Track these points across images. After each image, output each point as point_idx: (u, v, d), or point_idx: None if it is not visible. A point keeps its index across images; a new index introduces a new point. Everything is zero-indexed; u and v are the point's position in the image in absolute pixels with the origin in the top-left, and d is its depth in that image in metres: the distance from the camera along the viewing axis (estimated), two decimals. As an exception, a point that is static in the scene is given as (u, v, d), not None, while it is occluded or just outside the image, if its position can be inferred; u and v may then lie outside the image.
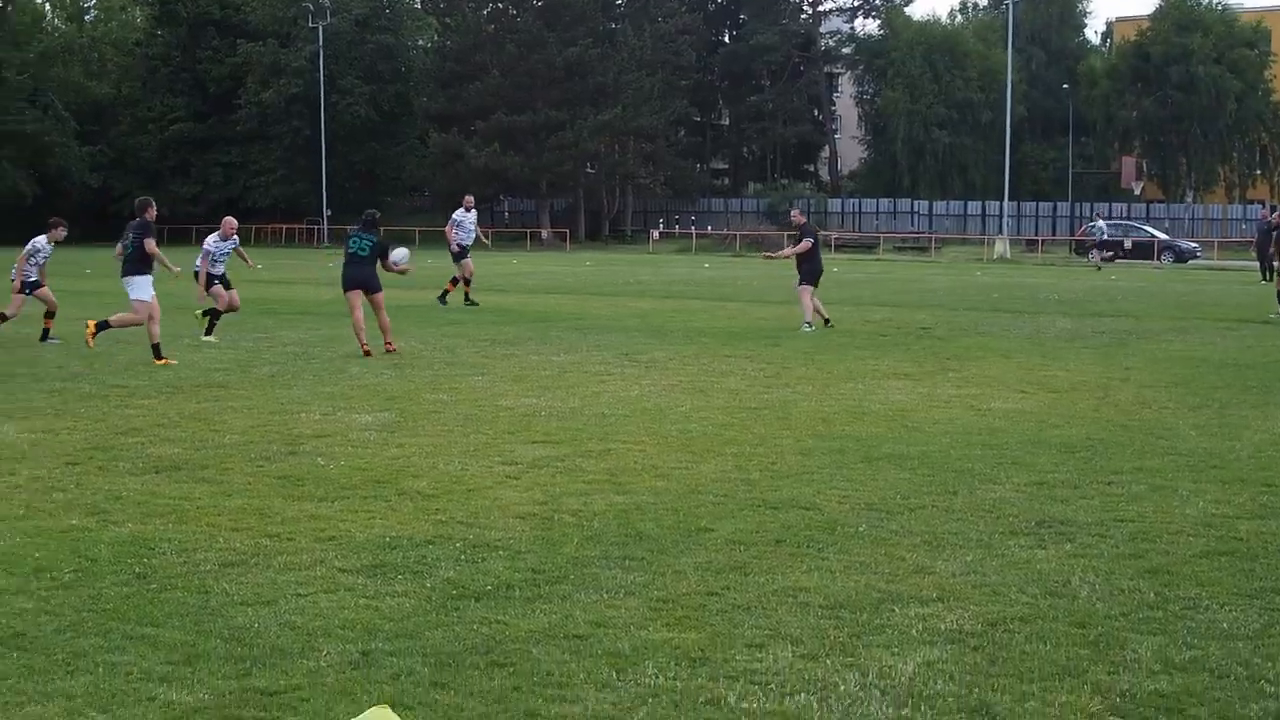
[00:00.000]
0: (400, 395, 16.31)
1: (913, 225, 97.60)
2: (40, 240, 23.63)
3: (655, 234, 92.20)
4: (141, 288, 20.70)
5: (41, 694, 6.26)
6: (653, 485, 11.05)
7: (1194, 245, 74.08)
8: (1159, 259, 69.36)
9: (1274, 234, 37.26)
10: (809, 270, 26.65)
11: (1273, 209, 65.38)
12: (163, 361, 19.57)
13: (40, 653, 6.84)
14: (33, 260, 23.31)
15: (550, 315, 28.67)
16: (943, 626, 7.39)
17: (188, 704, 6.13)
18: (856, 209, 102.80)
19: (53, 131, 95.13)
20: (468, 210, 32.09)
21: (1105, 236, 69.18)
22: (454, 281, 32.00)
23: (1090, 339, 24.39)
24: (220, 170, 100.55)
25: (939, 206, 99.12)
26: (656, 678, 6.55)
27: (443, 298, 31.77)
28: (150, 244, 20.35)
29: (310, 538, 9.20)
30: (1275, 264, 35.33)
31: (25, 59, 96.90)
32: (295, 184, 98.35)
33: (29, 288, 23.24)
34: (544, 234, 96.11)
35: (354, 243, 21.63)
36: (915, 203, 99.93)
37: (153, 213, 20.89)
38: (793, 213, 30.53)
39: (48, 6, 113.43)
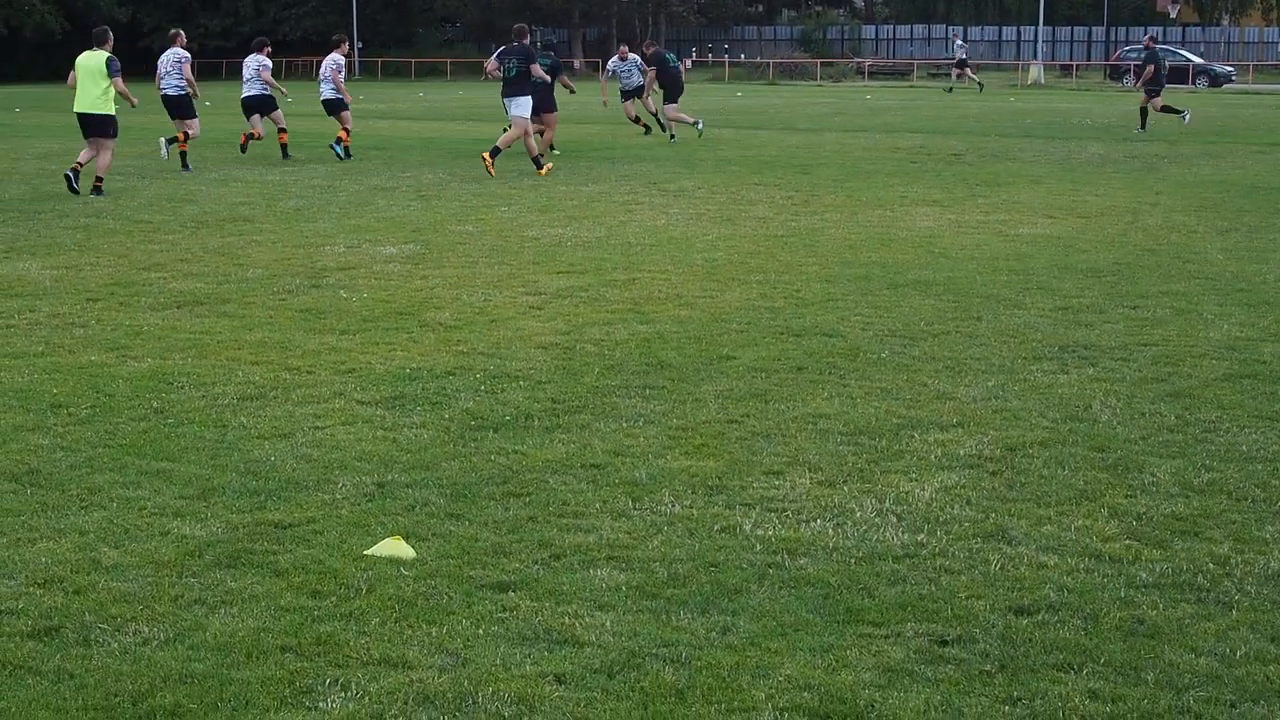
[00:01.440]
0: (426, 227, 16.25)
1: (946, 51, 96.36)
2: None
3: (688, 62, 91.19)
4: (522, 106, 22.53)
5: (55, 530, 6.28)
6: (676, 314, 11.02)
7: (1229, 69, 73.04)
8: (1194, 83, 68.47)
9: None
10: (673, 90, 30.09)
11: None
12: (544, 171, 22.33)
13: (55, 489, 6.86)
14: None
15: (580, 146, 28.42)
16: (961, 452, 7.37)
17: (200, 538, 6.14)
18: (891, 35, 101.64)
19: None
20: (623, 59, 31.26)
21: (963, 55, 68.14)
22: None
23: (1121, 164, 24.14)
24: (250, 3, 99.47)
25: (974, 32, 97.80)
26: (672, 506, 6.56)
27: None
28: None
29: (330, 370, 9.20)
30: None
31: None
32: (326, 15, 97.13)
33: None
34: (576, 63, 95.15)
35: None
36: (949, 28, 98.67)
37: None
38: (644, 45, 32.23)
39: None
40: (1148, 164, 24.07)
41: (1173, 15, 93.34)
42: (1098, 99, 55.24)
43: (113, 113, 20.18)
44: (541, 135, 24.21)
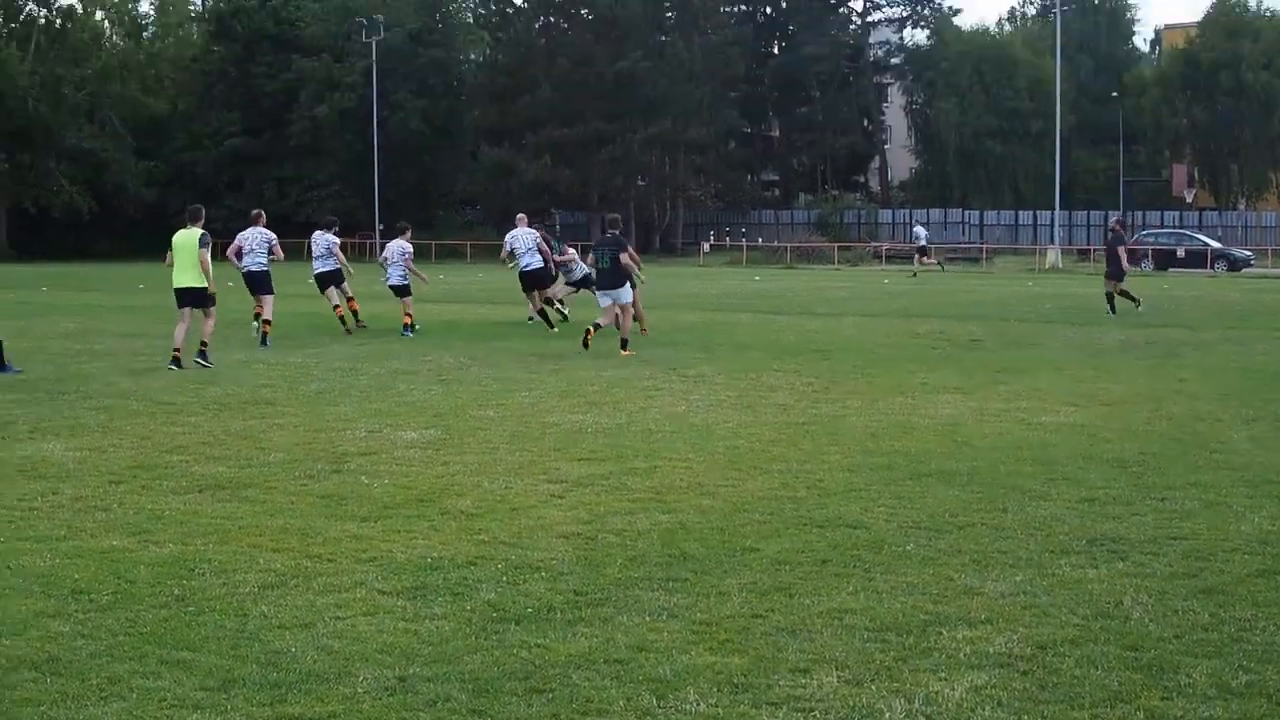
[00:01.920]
0: (447, 411, 16.25)
1: (963, 235, 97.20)
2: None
3: (706, 246, 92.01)
4: (626, 294, 23.88)
5: (74, 721, 6.18)
6: (698, 503, 10.95)
7: (1248, 254, 73.55)
8: (1212, 267, 68.87)
9: None
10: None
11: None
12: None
13: (75, 677, 6.78)
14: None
15: (600, 331, 28.53)
16: (991, 650, 7.26)
17: (221, 733, 6.06)
18: (907, 219, 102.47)
19: (110, 147, 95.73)
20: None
21: (924, 243, 69.02)
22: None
23: (1143, 350, 24.17)
24: (274, 185, 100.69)
25: (990, 216, 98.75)
26: (698, 704, 6.45)
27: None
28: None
29: (351, 558, 9.13)
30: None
31: (84, 75, 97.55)
32: (348, 198, 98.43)
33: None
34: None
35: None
36: (966, 213, 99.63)
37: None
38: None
39: (106, 24, 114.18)
40: (1169, 350, 24.09)
41: (1189, 199, 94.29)
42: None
43: (205, 286, 21.27)
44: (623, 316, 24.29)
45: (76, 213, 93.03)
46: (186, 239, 21.28)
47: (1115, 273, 34.41)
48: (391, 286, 27.95)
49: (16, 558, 9.14)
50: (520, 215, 31.23)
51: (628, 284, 24.14)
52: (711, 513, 10.59)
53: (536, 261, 28.83)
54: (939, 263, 66.19)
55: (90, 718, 6.24)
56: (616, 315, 24.05)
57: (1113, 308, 33.66)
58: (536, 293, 29.40)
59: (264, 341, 24.58)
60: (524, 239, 29.07)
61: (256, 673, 6.86)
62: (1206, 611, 7.94)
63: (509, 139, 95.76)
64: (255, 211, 26.78)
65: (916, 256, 68.12)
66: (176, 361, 20.77)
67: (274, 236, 25.56)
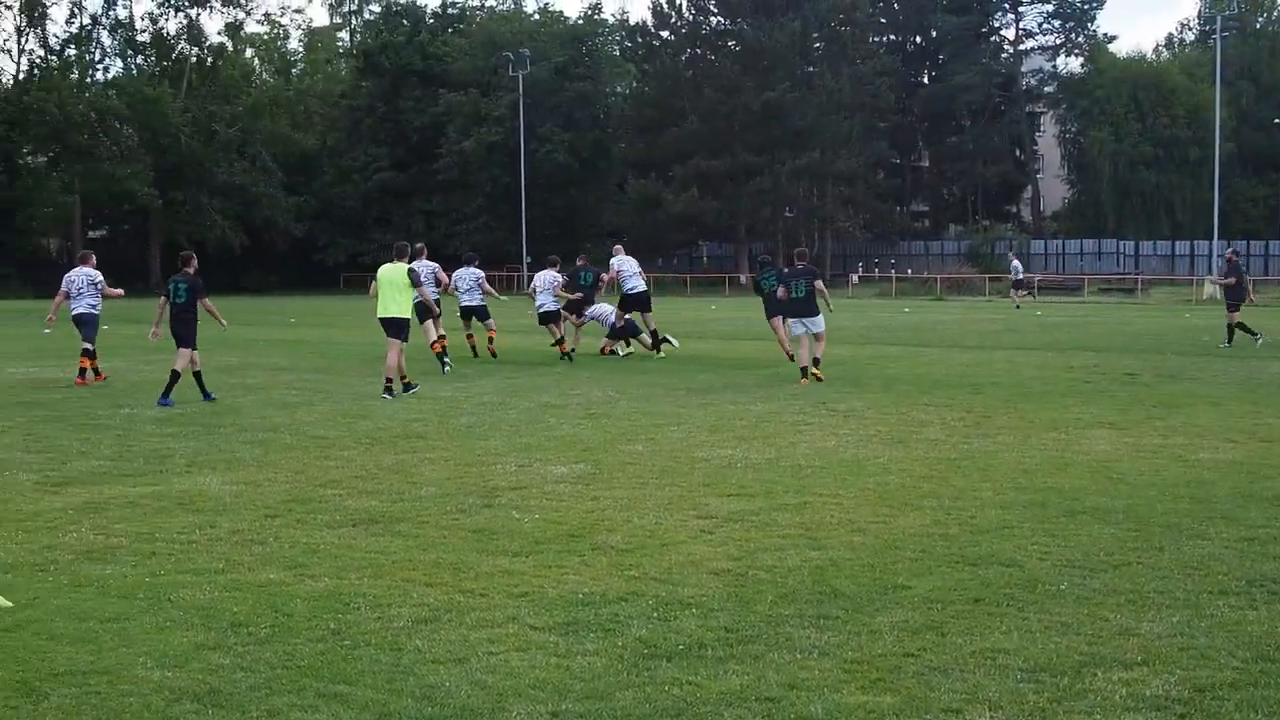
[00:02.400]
0: (596, 446, 16.32)
1: (1118, 266, 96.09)
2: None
3: (854, 277, 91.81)
4: (819, 323, 24.96)
5: (237, 755, 6.30)
6: (849, 540, 10.91)
7: None
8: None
9: None
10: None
11: None
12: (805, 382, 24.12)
13: (235, 710, 6.92)
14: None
15: (747, 362, 28.59)
16: (1147, 693, 7.16)
17: (378, 767, 6.13)
18: (1060, 250, 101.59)
19: (260, 182, 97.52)
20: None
21: (1020, 276, 68.27)
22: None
23: (1304, 384, 23.74)
24: (421, 218, 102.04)
25: (1145, 247, 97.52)
26: (850, 744, 6.43)
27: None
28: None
29: (503, 593, 9.21)
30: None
31: (235, 112, 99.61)
32: (495, 231, 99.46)
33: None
34: (742, 278, 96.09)
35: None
36: (1121, 243, 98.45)
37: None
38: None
39: (256, 61, 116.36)
40: (1329, 384, 23.64)
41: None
42: (1276, 315, 54.52)
43: (408, 316, 22.84)
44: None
45: (228, 247, 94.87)
46: (393, 273, 22.72)
47: (1234, 304, 34.05)
48: (543, 314, 30.10)
49: (177, 590, 9.34)
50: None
51: (820, 315, 24.97)
52: (862, 549, 10.55)
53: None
54: (1030, 293, 65.93)
55: (250, 751, 6.35)
56: (810, 343, 24.89)
57: (1229, 339, 33.74)
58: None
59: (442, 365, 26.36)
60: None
61: (412, 707, 6.95)
62: (1370, 655, 7.79)
63: (656, 171, 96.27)
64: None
65: (1013, 290, 67.34)
66: (388, 389, 22.04)
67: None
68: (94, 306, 25.78)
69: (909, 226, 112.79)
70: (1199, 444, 16.30)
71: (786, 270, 26.37)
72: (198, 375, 21.67)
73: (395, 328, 22.46)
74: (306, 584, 9.50)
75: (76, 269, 26.33)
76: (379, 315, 22.72)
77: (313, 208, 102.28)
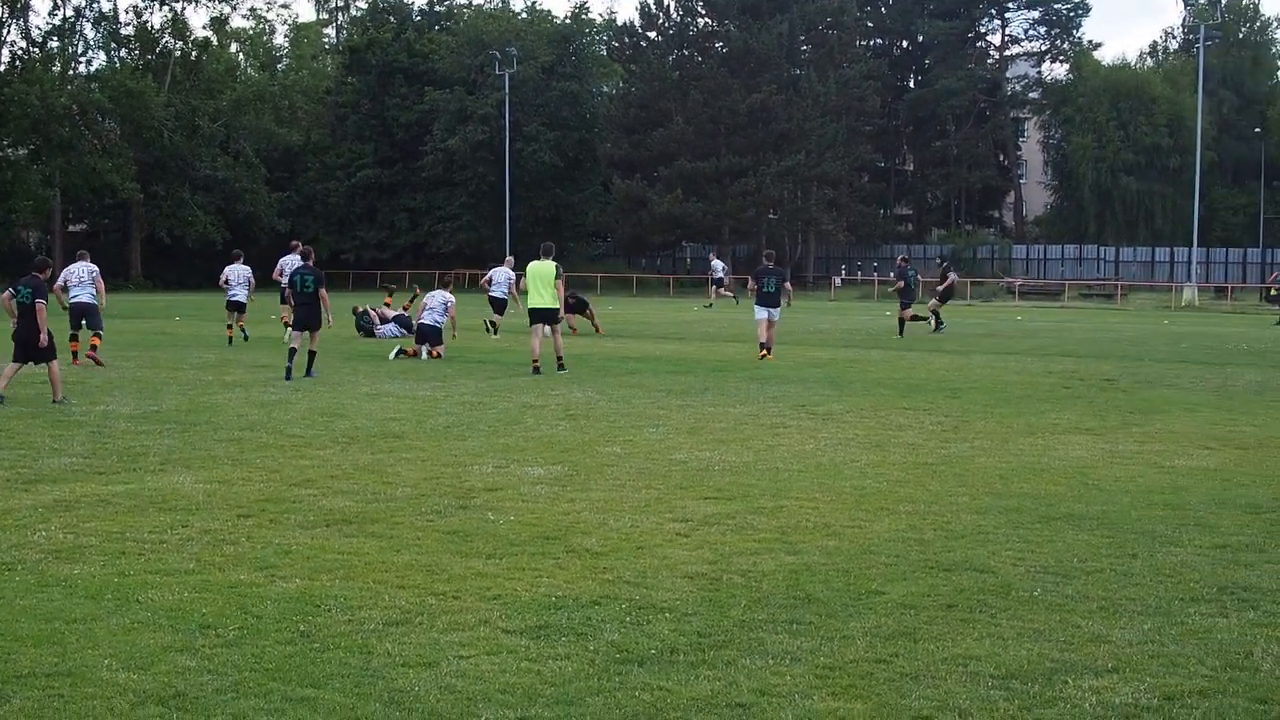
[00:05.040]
0: (574, 448, 16.30)
1: (1099, 272, 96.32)
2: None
3: (837, 280, 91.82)
4: (776, 313, 30.91)
5: (200, 759, 6.26)
6: (824, 545, 10.91)
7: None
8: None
9: None
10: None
11: None
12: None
13: (200, 713, 6.88)
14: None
15: (728, 365, 28.57)
16: (1117, 700, 7.17)
17: (343, 771, 6.10)
18: (1041, 255, 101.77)
19: (243, 177, 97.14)
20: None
21: (719, 275, 68.23)
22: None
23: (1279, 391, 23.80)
24: (405, 216, 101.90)
25: (1125, 253, 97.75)
26: (819, 751, 6.42)
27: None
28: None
29: (476, 596, 9.18)
30: None
31: (219, 107, 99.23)
32: (479, 229, 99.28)
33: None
34: (726, 280, 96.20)
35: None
36: (1102, 249, 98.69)
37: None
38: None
39: (241, 56, 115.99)
40: (1306, 393, 23.70)
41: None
42: (1254, 322, 54.69)
43: (558, 306, 27.18)
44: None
45: (210, 242, 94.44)
46: (542, 269, 26.70)
47: (906, 303, 40.50)
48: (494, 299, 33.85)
49: (146, 591, 9.27)
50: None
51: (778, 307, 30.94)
52: (837, 554, 10.55)
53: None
54: (735, 297, 66.13)
55: (216, 754, 6.32)
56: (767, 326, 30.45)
57: (900, 331, 40.05)
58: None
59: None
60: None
61: (379, 711, 6.93)
62: (1340, 665, 7.80)
63: (641, 171, 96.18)
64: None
65: (713, 289, 67.05)
66: (536, 370, 25.98)
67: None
68: (93, 295, 27.80)
69: (892, 230, 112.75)
70: (1175, 450, 16.34)
71: (759, 269, 31.87)
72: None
73: (545, 316, 26.74)
74: (277, 585, 9.46)
75: (76, 263, 28.53)
76: (529, 306, 26.95)
77: (296, 203, 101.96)
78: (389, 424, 18.41)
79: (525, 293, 27.63)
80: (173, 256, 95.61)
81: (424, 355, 29.80)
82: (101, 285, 28.11)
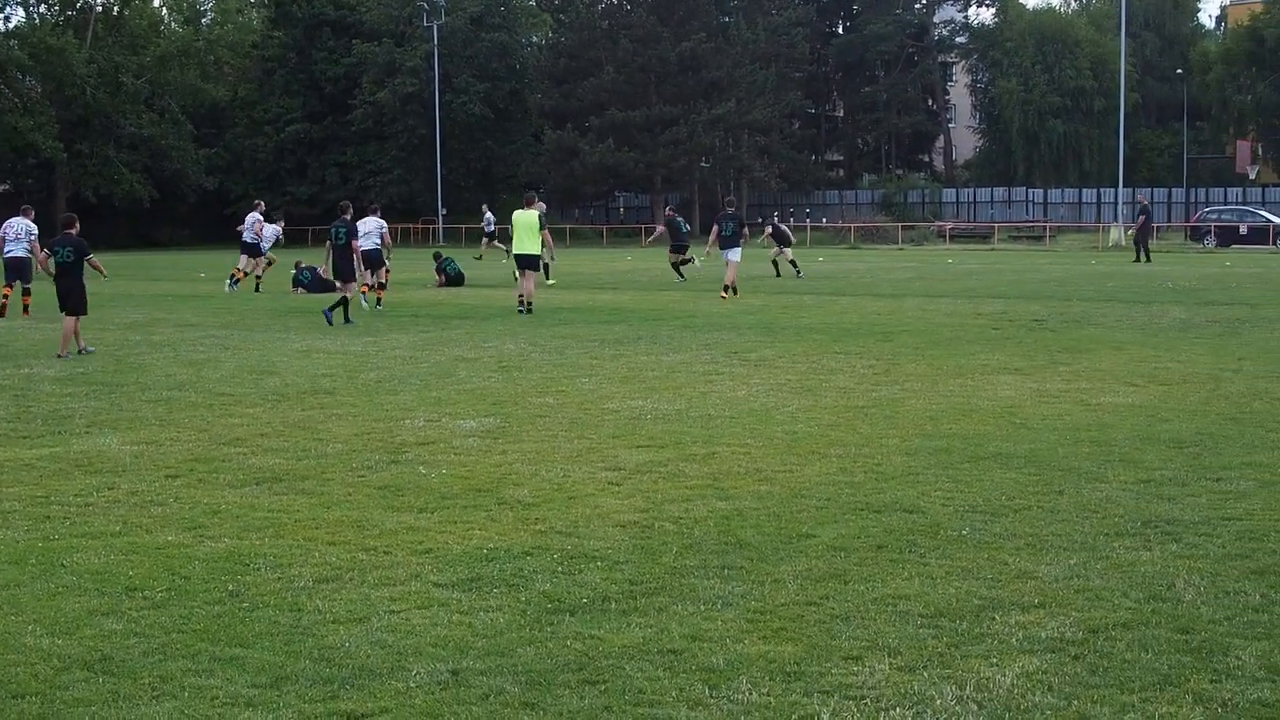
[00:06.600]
0: (506, 399, 16.31)
1: (1027, 214, 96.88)
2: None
3: (768, 228, 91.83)
4: (737, 253, 34.04)
5: (125, 721, 6.27)
6: (755, 490, 10.97)
7: (1314, 229, 72.98)
8: (1275, 244, 68.34)
9: None
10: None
11: None
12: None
13: (126, 676, 6.84)
14: None
15: (662, 313, 28.62)
16: (1043, 634, 7.26)
17: (272, 730, 6.11)
18: (971, 198, 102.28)
19: (169, 135, 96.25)
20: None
21: (491, 228, 65.93)
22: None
23: (1203, 329, 24.05)
24: (336, 170, 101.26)
25: (1053, 195, 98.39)
26: (750, 694, 6.48)
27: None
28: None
29: (407, 550, 9.19)
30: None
31: (142, 63, 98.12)
32: (411, 183, 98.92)
33: None
34: (658, 229, 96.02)
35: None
36: (1030, 191, 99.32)
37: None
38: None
39: (164, 11, 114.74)
40: (1229, 328, 23.95)
41: (1252, 176, 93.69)
42: (1179, 260, 55.14)
43: (539, 253, 29.73)
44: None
45: (136, 201, 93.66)
46: (526, 217, 29.07)
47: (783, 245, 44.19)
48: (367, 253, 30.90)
49: (71, 555, 9.18)
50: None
51: (740, 248, 34.14)
52: (769, 499, 10.61)
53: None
54: (507, 251, 64.81)
55: (142, 717, 6.31)
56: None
57: (777, 272, 43.86)
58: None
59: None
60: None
61: (309, 669, 6.92)
62: (1258, 593, 7.93)
63: (572, 122, 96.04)
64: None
65: (484, 241, 65.66)
66: (526, 309, 28.43)
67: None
68: (28, 251, 29.40)
69: (823, 176, 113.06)
70: (1101, 388, 16.51)
71: (720, 214, 35.42)
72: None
73: (529, 262, 29.28)
74: (206, 545, 9.40)
75: (16, 218, 30.21)
76: (515, 251, 29.43)
77: (224, 160, 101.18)
78: (320, 380, 18.35)
79: (510, 239, 29.47)
80: (99, 216, 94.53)
81: (365, 304, 30.26)
82: (36, 246, 29.19)
